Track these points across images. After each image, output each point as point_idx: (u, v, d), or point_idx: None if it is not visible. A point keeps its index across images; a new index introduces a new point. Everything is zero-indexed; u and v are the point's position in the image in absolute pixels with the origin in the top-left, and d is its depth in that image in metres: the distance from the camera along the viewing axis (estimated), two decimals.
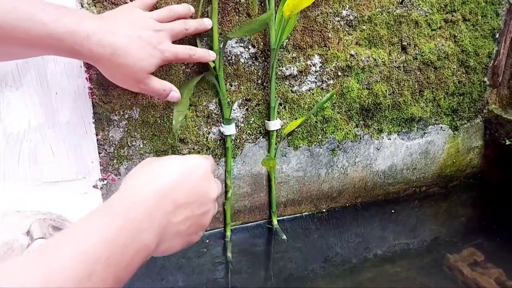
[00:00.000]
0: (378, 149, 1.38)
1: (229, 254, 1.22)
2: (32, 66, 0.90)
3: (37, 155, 0.97)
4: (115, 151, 1.09)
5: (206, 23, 0.97)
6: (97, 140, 1.04)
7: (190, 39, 1.05)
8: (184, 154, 1.16)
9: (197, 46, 1.05)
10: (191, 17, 1.01)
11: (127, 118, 1.07)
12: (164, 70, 1.06)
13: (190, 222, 0.66)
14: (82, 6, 0.94)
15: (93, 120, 1.01)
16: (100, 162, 1.06)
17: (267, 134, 1.23)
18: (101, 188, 1.07)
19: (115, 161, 1.10)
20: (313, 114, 1.25)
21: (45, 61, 0.91)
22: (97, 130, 1.04)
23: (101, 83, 1.01)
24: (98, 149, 1.05)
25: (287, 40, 1.14)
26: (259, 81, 1.17)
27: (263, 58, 1.14)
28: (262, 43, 1.12)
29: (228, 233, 1.27)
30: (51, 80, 0.92)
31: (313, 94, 1.23)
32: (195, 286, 1.16)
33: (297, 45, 1.16)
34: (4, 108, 0.91)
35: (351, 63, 1.23)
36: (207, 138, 1.17)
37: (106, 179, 1.10)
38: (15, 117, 0.92)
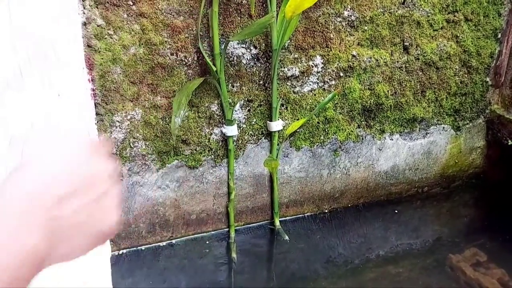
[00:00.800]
0: (380, 150, 1.38)
1: (234, 255, 1.22)
2: (35, 67, 0.90)
3: None
4: (118, 152, 1.09)
5: None
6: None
7: (193, 41, 1.05)
8: (186, 155, 1.16)
9: (199, 50, 1.05)
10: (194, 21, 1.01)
11: (129, 119, 1.07)
12: (166, 71, 1.06)
13: (88, 209, 0.58)
14: (84, 8, 0.94)
15: (96, 122, 1.01)
16: None
17: (269, 135, 1.23)
18: None
19: (117, 162, 1.10)
20: (315, 114, 1.25)
21: (48, 63, 0.91)
22: (100, 131, 1.04)
23: (103, 85, 1.01)
24: None
25: (289, 41, 1.15)
26: (261, 82, 1.17)
27: (265, 59, 1.15)
28: (264, 44, 1.13)
29: (233, 234, 1.27)
30: (54, 82, 0.92)
31: (315, 94, 1.23)
32: (198, 287, 1.16)
33: (299, 46, 1.16)
34: (7, 109, 0.91)
35: (353, 63, 1.22)
36: (209, 139, 1.17)
37: None
38: (18, 118, 0.93)
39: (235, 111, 1.17)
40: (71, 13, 0.89)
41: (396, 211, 1.45)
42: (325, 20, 1.15)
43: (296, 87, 1.20)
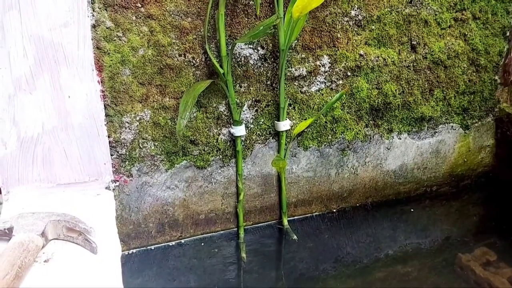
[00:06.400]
0: (389, 149, 1.38)
1: (243, 255, 1.23)
2: (46, 70, 0.92)
3: (51, 158, 0.98)
4: (127, 153, 1.10)
5: None
6: (109, 142, 1.05)
7: (200, 42, 1.06)
8: (195, 156, 1.17)
9: (206, 51, 1.06)
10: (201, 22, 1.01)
11: (139, 120, 1.08)
12: (175, 72, 1.07)
13: None
14: (93, 11, 0.95)
15: (105, 122, 1.03)
16: (112, 164, 1.07)
17: (277, 134, 1.23)
18: (113, 189, 1.09)
19: (127, 162, 1.11)
20: (322, 114, 1.25)
21: (58, 65, 0.92)
22: (109, 132, 1.06)
23: (112, 86, 1.02)
24: (110, 151, 1.06)
25: (296, 41, 1.15)
26: (269, 82, 1.17)
27: (272, 59, 1.15)
28: (271, 45, 1.13)
29: (242, 234, 1.28)
30: (64, 84, 0.94)
31: (322, 94, 1.23)
32: (207, 286, 1.17)
33: (306, 45, 1.16)
34: (18, 111, 0.93)
35: (361, 63, 1.23)
36: (217, 139, 1.17)
37: (118, 181, 1.11)
38: (29, 120, 0.94)
39: (243, 111, 1.17)
40: (80, 16, 0.91)
41: (407, 210, 1.44)
42: (332, 20, 1.16)
43: (303, 87, 1.21)
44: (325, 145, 1.29)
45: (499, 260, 1.22)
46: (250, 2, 1.07)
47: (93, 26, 0.97)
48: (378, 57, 1.24)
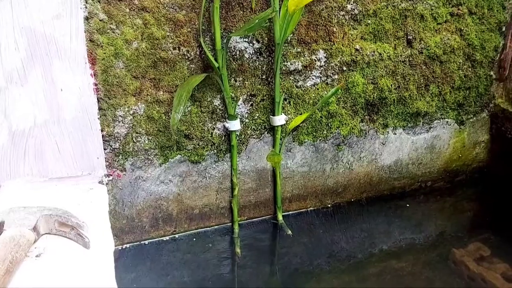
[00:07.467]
0: (384, 144, 1.38)
1: (237, 250, 1.22)
2: (38, 62, 0.90)
3: (43, 152, 0.97)
4: (121, 147, 1.09)
5: None
6: (102, 136, 1.04)
7: (195, 35, 1.05)
8: (189, 150, 1.16)
9: (200, 45, 1.05)
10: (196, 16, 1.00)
11: (132, 114, 1.07)
12: (169, 66, 1.06)
13: None
14: (86, 2, 0.94)
15: (98, 116, 1.01)
16: (105, 158, 1.06)
17: (272, 129, 1.23)
18: (106, 184, 1.08)
19: (120, 157, 1.10)
20: (318, 109, 1.24)
21: (50, 58, 0.91)
22: (102, 126, 1.05)
23: (106, 79, 1.01)
24: (103, 145, 1.05)
25: (291, 35, 1.14)
26: (264, 76, 1.16)
27: (268, 53, 1.14)
28: (266, 38, 1.12)
29: (236, 229, 1.28)
30: (56, 77, 0.92)
31: (318, 89, 1.23)
32: (201, 281, 1.16)
33: (301, 40, 1.16)
34: (10, 104, 0.91)
35: (356, 57, 1.22)
36: (211, 133, 1.17)
37: (111, 175, 1.11)
38: (21, 113, 0.93)
39: (238, 105, 1.16)
40: (73, 8, 0.89)
41: (401, 205, 1.45)
42: (328, 14, 1.15)
43: (299, 81, 1.20)
44: (320, 140, 1.29)
45: (493, 255, 1.22)
46: None
47: (86, 19, 0.95)
48: (374, 51, 1.23)
